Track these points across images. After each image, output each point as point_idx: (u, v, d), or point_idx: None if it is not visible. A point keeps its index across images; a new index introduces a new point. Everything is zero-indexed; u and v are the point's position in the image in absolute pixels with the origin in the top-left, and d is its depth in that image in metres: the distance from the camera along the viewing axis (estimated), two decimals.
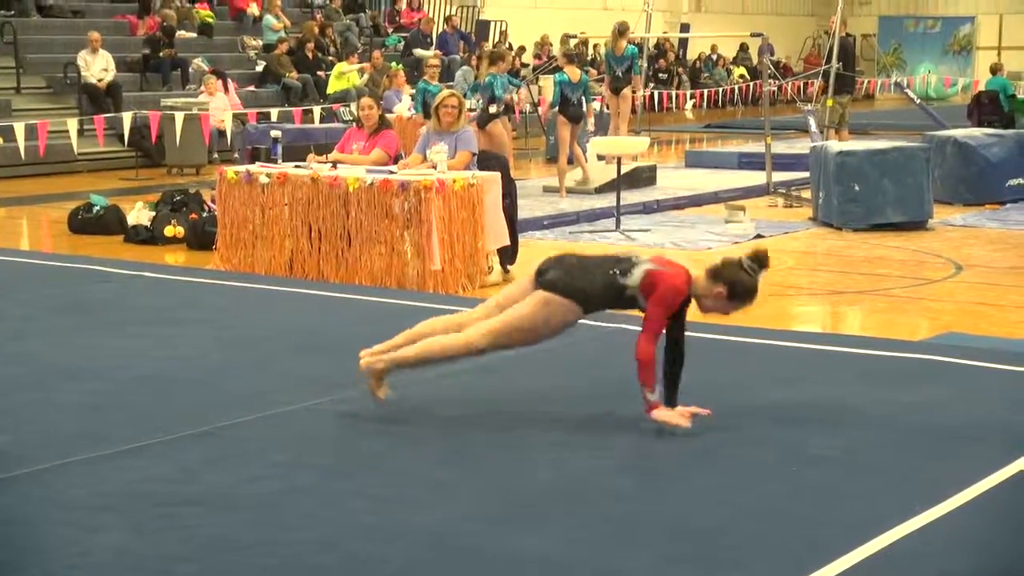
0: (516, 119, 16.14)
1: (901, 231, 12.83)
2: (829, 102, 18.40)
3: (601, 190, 15.16)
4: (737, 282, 6.03)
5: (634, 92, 19.85)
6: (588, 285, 6.13)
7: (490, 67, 15.54)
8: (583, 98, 15.64)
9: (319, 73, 23.19)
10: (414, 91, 18.40)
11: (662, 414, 5.92)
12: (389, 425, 6.14)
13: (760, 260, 6.05)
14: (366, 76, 22.39)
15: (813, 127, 17.68)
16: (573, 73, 15.59)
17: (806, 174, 15.14)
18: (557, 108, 15.93)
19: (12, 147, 17.30)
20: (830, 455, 5.69)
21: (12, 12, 21.39)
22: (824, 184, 13.32)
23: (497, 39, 29.07)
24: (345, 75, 22.39)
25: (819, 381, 7.05)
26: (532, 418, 6.27)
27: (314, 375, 7.10)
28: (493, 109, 15.16)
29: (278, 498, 5.16)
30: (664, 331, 6.09)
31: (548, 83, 24.15)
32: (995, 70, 23.51)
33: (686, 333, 6.24)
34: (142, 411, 6.43)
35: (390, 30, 27.54)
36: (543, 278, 6.19)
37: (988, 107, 22.10)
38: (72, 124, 17.91)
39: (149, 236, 12.26)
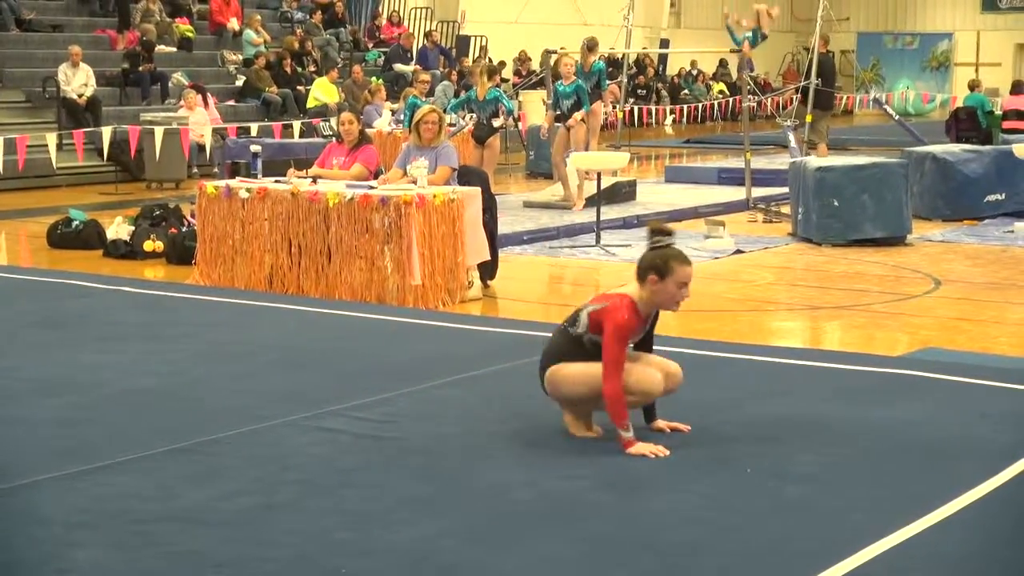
0: (500, 134, 16.12)
1: (880, 246, 12.87)
2: (809, 118, 18.44)
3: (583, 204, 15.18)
4: (655, 263, 6.01)
5: (613, 105, 19.89)
6: (557, 351, 6.19)
7: (488, 81, 15.61)
8: (581, 103, 15.64)
9: (299, 88, 23.19)
10: (396, 106, 18.45)
11: (638, 448, 5.92)
12: (367, 441, 6.12)
13: (658, 231, 6.09)
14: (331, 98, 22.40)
15: (793, 143, 17.73)
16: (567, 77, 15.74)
17: (786, 189, 15.19)
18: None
19: None
20: (809, 471, 5.69)
21: None
22: (803, 200, 13.35)
23: (477, 54, 29.11)
24: (318, 99, 22.43)
25: (798, 397, 7.06)
26: (510, 435, 6.26)
27: (294, 390, 7.08)
28: (498, 123, 15.23)
29: (256, 514, 5.15)
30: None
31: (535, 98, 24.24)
32: (973, 86, 23.63)
33: (656, 348, 6.27)
34: (120, 427, 6.40)
35: (370, 45, 27.56)
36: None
37: (966, 123, 22.20)
38: (51, 138, 17.87)
39: (128, 251, 12.24)
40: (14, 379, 7.37)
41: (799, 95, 19.40)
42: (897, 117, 23.38)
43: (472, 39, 30.02)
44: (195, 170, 19.05)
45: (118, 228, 12.55)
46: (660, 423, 6.29)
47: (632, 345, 6.18)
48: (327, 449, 6.00)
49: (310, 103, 22.62)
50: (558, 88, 15.97)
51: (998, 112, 22.65)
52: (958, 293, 10.64)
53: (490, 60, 27.81)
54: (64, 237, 12.89)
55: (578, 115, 15.55)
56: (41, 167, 18.25)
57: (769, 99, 28.88)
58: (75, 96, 19.86)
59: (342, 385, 7.19)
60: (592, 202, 13.99)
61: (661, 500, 5.36)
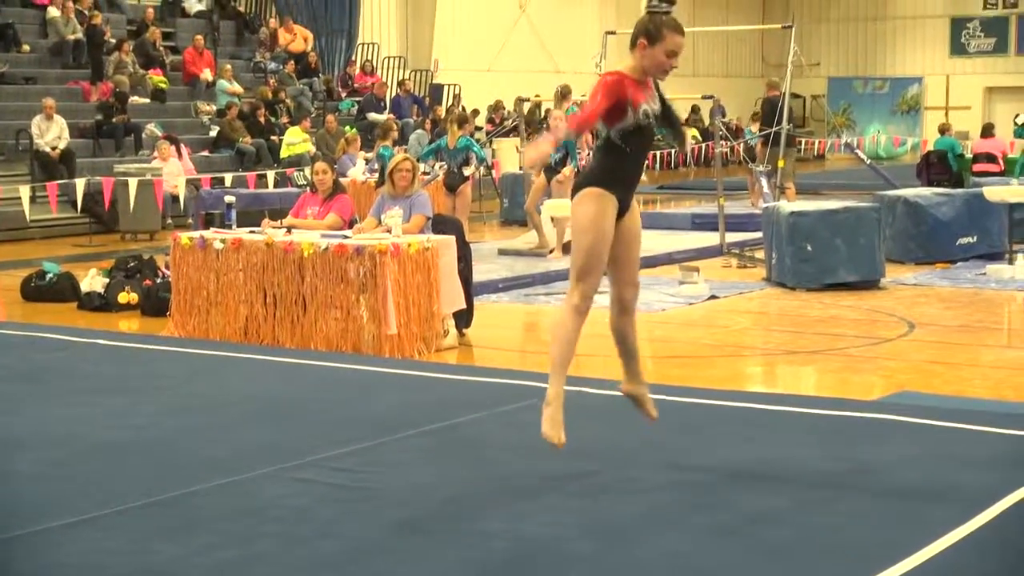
0: (471, 182, 16.19)
1: (854, 290, 12.92)
2: (781, 163, 18.53)
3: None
4: (647, 27, 6.01)
5: (588, 152, 19.81)
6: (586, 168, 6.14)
7: (458, 129, 15.68)
8: (568, 157, 15.71)
9: (272, 138, 23.23)
10: (371, 155, 18.50)
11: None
12: (344, 492, 6.10)
13: None
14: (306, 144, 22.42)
15: (765, 188, 17.81)
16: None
17: (759, 234, 15.25)
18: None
19: None
20: (785, 516, 5.69)
21: None
22: (777, 244, 13.41)
23: (451, 103, 29.21)
24: (292, 149, 22.47)
25: (774, 441, 7.06)
26: (488, 483, 6.25)
27: (270, 442, 7.06)
28: (469, 171, 15.29)
29: (233, 568, 5.12)
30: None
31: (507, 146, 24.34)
32: (943, 130, 23.79)
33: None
34: (95, 481, 6.36)
35: (344, 94, 27.63)
36: None
37: (937, 166, 22.33)
38: (24, 191, 17.85)
39: (103, 303, 12.21)
40: None
41: (761, 140, 19.49)
42: (869, 161, 23.51)
43: (445, 87, 30.14)
44: (169, 221, 19.05)
45: (92, 280, 12.52)
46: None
47: (654, 121, 6.08)
48: (304, 501, 5.98)
49: (284, 153, 22.65)
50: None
51: (968, 155, 22.81)
52: (932, 336, 10.68)
53: (463, 108, 27.91)
54: (38, 290, 12.85)
55: (567, 170, 15.63)
56: (14, 220, 18.22)
57: (741, 144, 28.98)
58: (48, 148, 19.84)
59: (319, 436, 7.16)
60: (567, 249, 14.02)
61: (641, 546, 5.35)
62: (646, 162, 6.22)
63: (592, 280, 6.12)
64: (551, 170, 15.76)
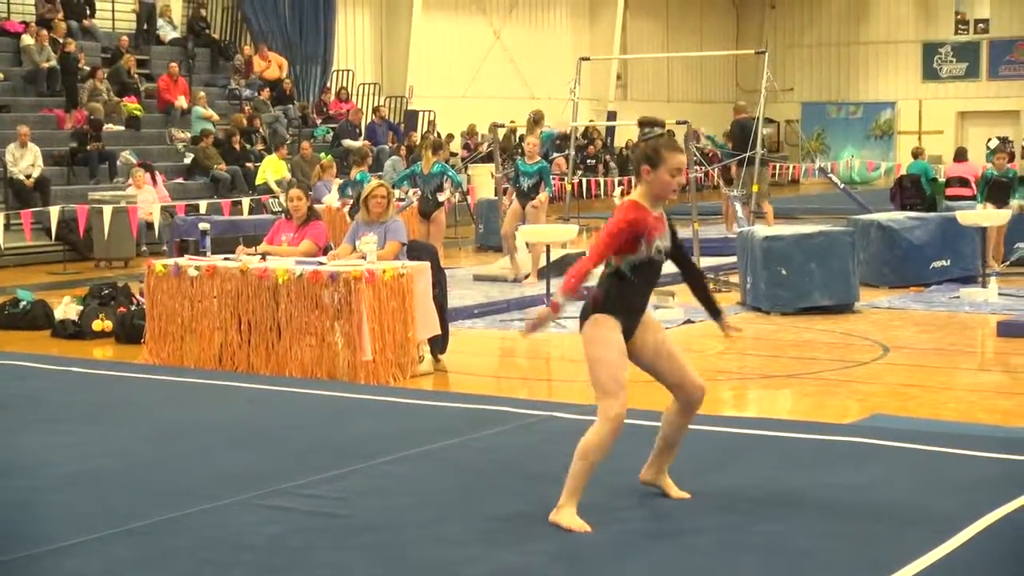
0: (446, 208, 16.21)
1: (828, 314, 12.96)
2: (755, 187, 18.59)
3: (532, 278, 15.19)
4: (646, 154, 6.04)
5: (561, 177, 19.85)
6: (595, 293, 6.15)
7: (433, 155, 15.70)
8: (542, 183, 15.75)
9: (248, 164, 23.22)
10: (342, 181, 18.50)
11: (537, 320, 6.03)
12: (319, 519, 6.09)
13: (646, 123, 6.19)
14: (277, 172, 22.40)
15: (740, 212, 17.86)
16: (531, 151, 15.88)
17: (734, 259, 15.28)
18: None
19: None
20: (763, 541, 5.70)
21: None
22: (752, 269, 13.45)
23: (426, 129, 29.25)
24: (266, 170, 22.47)
25: (751, 466, 7.07)
26: (462, 510, 6.24)
27: (245, 469, 7.04)
28: (443, 197, 15.31)
29: None
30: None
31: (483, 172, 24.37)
32: (917, 154, 23.90)
33: None
34: (69, 509, 6.34)
35: (319, 121, 27.64)
36: None
37: (910, 191, 22.43)
38: None
39: (77, 331, 12.17)
40: None
41: (735, 165, 19.56)
42: (843, 186, 23.59)
43: (420, 114, 30.18)
44: (144, 249, 19.01)
45: (66, 308, 12.48)
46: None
47: (664, 254, 6.17)
48: (279, 528, 5.96)
49: (259, 180, 22.63)
50: (520, 166, 16.07)
51: (941, 179, 22.92)
52: (906, 359, 10.72)
53: (437, 134, 27.95)
54: (12, 318, 12.80)
55: (543, 196, 15.66)
56: None
57: (716, 169, 29.04)
58: (22, 176, 19.79)
59: (293, 463, 7.15)
60: (543, 274, 14.04)
61: (615, 573, 5.35)
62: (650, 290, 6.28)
63: (623, 394, 6.01)
64: (525, 196, 15.79)
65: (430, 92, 31.22)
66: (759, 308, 13.22)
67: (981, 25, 41.06)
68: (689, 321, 12.58)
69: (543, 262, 13.94)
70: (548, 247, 13.79)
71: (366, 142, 24.91)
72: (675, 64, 39.52)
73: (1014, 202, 14.31)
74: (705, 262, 16.15)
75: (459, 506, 6.29)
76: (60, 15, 24.47)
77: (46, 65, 23.14)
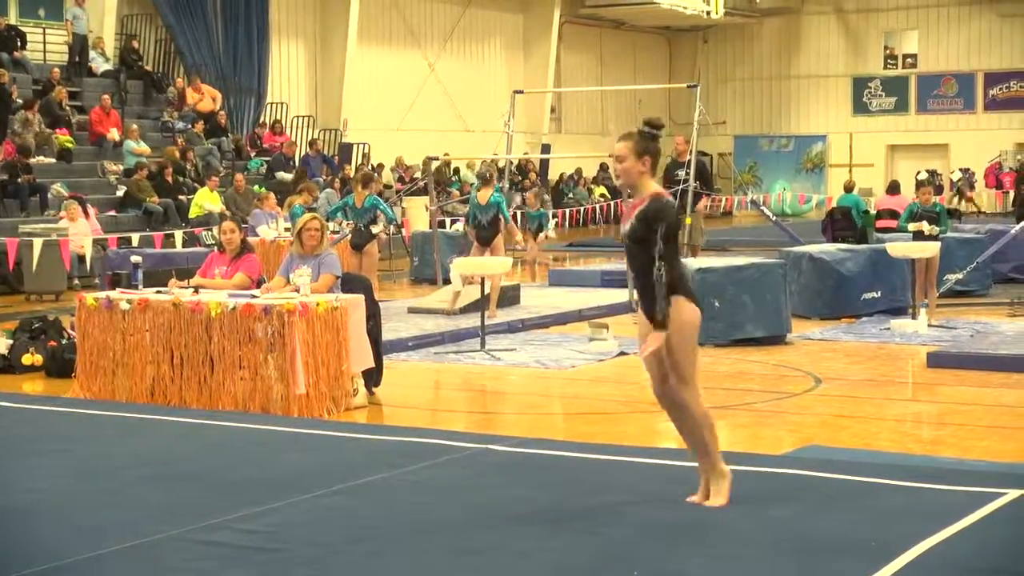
0: (380, 240, 16.16)
1: (761, 346, 13.05)
2: (688, 220, 18.69)
3: (466, 310, 15.17)
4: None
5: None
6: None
7: (363, 189, 15.68)
8: (499, 217, 15.72)
9: (180, 197, 23.08)
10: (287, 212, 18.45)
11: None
12: (252, 553, 6.04)
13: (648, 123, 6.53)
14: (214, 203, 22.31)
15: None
16: (483, 195, 15.74)
17: None
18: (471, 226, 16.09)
19: None
20: (698, 573, 5.71)
21: None
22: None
23: (360, 161, 29.22)
24: (200, 203, 22.36)
25: (685, 496, 7.08)
26: (398, 543, 6.21)
27: (176, 504, 6.97)
28: (376, 229, 15.30)
29: None
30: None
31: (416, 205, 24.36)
32: (848, 187, 24.10)
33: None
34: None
35: (253, 154, 27.56)
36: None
37: (841, 222, 22.57)
38: None
39: (6, 365, 12.01)
40: None
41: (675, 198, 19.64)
42: (775, 218, 23.76)
43: (355, 146, 30.15)
44: (76, 282, 18.84)
45: None
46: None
47: (628, 241, 6.48)
48: (211, 564, 5.91)
49: (193, 212, 22.49)
50: (473, 199, 16.05)
51: (872, 211, 23.13)
52: (838, 390, 10.80)
53: (372, 167, 27.95)
54: None
55: (518, 237, 15.72)
56: None
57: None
58: None
59: (226, 497, 7.09)
60: (475, 307, 14.04)
61: None
62: (644, 280, 6.47)
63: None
64: (485, 229, 15.68)
65: (364, 124, 31.22)
66: None
67: (910, 60, 41.64)
68: (623, 353, 12.61)
69: (477, 294, 13.93)
70: (483, 279, 13.79)
71: (307, 181, 24.84)
72: (609, 97, 39.71)
73: (921, 225, 14.42)
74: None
75: (395, 539, 6.26)
76: None
77: None
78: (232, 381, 9.96)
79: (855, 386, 11.02)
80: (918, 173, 30.92)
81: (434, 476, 7.56)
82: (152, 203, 22.49)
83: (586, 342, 13.14)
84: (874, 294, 15.41)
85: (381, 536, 6.32)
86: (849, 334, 13.95)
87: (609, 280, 18.81)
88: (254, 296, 10.17)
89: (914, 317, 14.29)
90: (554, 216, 17.50)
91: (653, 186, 6.49)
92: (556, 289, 18.71)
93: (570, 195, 35.09)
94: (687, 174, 18.70)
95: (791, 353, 12.74)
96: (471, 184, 28.68)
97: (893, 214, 21.96)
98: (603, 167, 37.34)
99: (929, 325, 14.04)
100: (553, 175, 35.79)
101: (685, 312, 6.44)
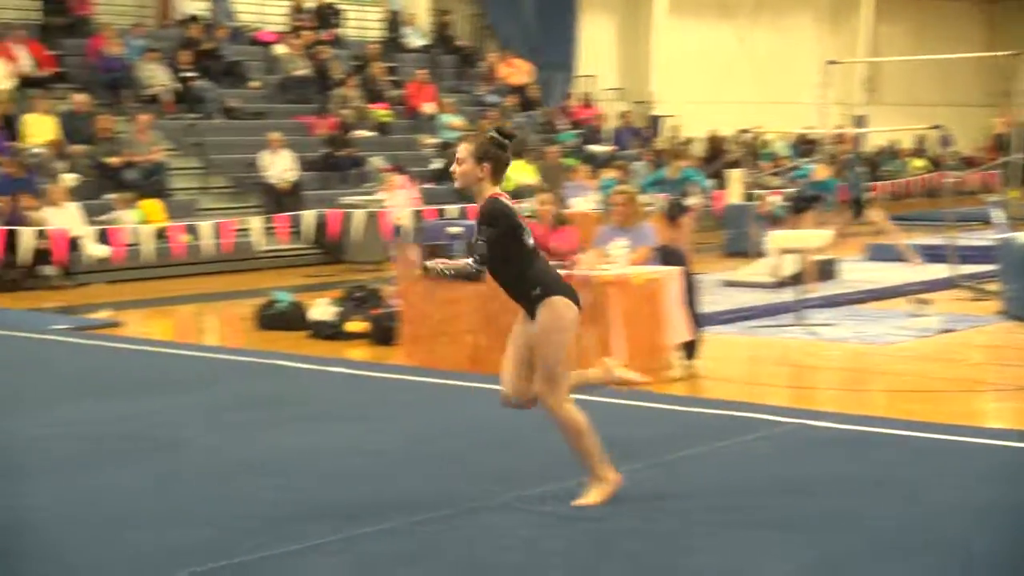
0: (694, 213, 16.08)
1: None
2: (1012, 194, 17.98)
3: (784, 284, 14.90)
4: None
5: None
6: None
7: (679, 161, 15.68)
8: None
9: None
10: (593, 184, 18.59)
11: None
12: (576, 524, 6.05)
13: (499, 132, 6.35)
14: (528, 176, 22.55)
15: (999, 219, 17.27)
16: (821, 172, 15.85)
17: (991, 267, 14.79)
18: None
19: (200, 244, 17.85)
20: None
21: (199, 115, 22.05)
22: (1014, 277, 12.97)
23: (670, 134, 29.11)
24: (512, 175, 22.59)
25: (1013, 480, 6.82)
26: (720, 520, 6.14)
27: (504, 470, 7.07)
28: (690, 202, 15.26)
29: None
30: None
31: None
32: None
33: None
34: (325, 507, 6.42)
35: (565, 127, 27.73)
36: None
37: None
38: (255, 222, 18.35)
39: (333, 332, 12.40)
40: (222, 458, 7.49)
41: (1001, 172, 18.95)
42: None
43: (664, 119, 30.04)
44: (394, 252, 19.33)
45: (321, 309, 12.75)
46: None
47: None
48: (534, 532, 5.95)
49: (505, 185, 22.76)
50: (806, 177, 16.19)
51: None
52: None
53: (683, 140, 27.79)
54: (270, 318, 13.14)
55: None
56: (246, 250, 18.72)
57: (971, 174, 28.30)
58: (277, 181, 20.37)
59: (544, 466, 7.13)
60: (793, 281, 13.81)
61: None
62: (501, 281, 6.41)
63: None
64: (805, 202, 15.63)
65: (674, 97, 31.06)
66: (1021, 318, 12.73)
67: None
68: (948, 330, 12.21)
69: (795, 268, 13.70)
70: (802, 252, 13.56)
71: (613, 147, 24.92)
72: (923, 68, 38.45)
73: None
74: (963, 269, 15.65)
75: (705, 514, 6.18)
76: (311, 25, 25.15)
77: (299, 73, 23.78)
78: None
79: None
80: None
81: (753, 449, 7.47)
82: None
83: (907, 318, 12.77)
84: None
85: (697, 515, 6.23)
86: None
87: (929, 255, 18.21)
88: (571, 268, 10.20)
89: None
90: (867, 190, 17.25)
91: (491, 191, 6.26)
92: (875, 264, 18.23)
93: (887, 168, 34.16)
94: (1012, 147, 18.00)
95: None
96: (785, 157, 28.34)
97: None
98: (920, 139, 36.27)
99: None
100: (869, 147, 34.91)
101: (558, 308, 6.20)
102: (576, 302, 6.25)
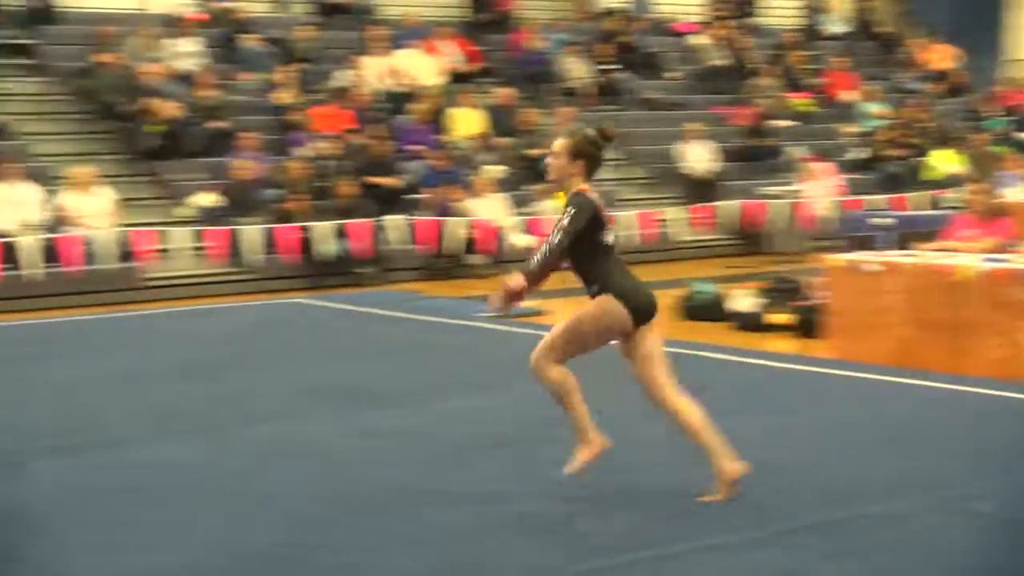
0: None
1: None
2: None
3: None
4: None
5: None
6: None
7: None
8: None
9: (914, 159, 22.72)
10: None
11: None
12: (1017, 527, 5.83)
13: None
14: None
15: None
16: None
17: None
18: None
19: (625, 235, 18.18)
20: None
21: (618, 107, 22.40)
22: None
23: None
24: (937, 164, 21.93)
25: None
26: None
27: (917, 470, 6.91)
28: None
29: None
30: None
31: None
32: None
33: None
34: (748, 501, 6.37)
35: (993, 113, 26.65)
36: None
37: None
38: (674, 213, 18.54)
39: (756, 323, 12.35)
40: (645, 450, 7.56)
41: None
42: None
43: None
44: (816, 243, 19.08)
45: (743, 300, 12.73)
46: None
47: None
48: (959, 533, 5.78)
49: (927, 174, 22.10)
50: None
51: None
52: None
53: None
54: (693, 308, 13.23)
55: None
56: (664, 240, 18.91)
57: None
58: (695, 172, 20.47)
59: (967, 468, 6.96)
60: None
61: None
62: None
63: None
64: None
65: None
66: None
67: None
68: None
69: None
70: None
71: None
72: None
73: None
74: None
75: None
76: (729, 14, 25.13)
77: (717, 63, 23.80)
78: (984, 347, 9.67)
79: None
80: None
81: None
82: (896, 165, 22.27)
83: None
84: None
85: None
86: None
87: None
88: (1007, 260, 9.82)
89: None
90: None
91: (579, 187, 6.34)
92: None
93: None
94: None
95: None
96: None
97: None
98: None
99: None
100: None
101: (605, 304, 6.33)
102: (639, 311, 6.37)
